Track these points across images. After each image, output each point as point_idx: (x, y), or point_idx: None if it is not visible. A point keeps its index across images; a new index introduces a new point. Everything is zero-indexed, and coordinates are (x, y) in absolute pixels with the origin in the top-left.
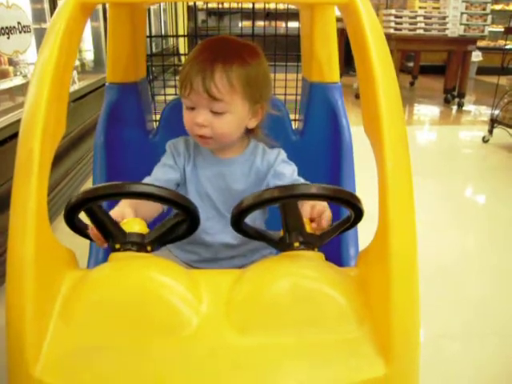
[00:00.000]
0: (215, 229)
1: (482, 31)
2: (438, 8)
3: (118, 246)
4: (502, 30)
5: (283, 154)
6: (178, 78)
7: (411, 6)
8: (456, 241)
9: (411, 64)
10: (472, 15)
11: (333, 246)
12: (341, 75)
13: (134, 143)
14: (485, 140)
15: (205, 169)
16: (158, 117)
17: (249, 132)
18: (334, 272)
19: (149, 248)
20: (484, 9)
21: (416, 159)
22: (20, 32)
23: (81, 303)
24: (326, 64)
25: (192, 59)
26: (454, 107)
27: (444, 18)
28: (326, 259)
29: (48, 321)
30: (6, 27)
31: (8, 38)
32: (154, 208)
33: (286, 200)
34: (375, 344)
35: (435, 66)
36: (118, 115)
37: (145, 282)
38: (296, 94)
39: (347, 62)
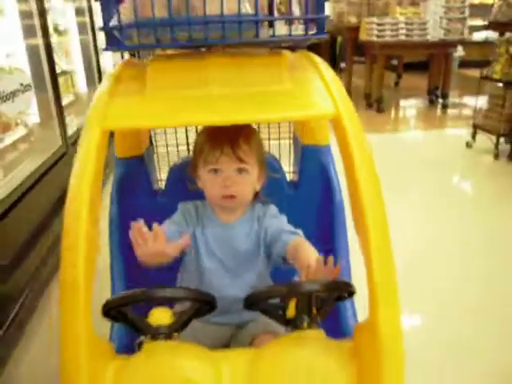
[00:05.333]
0: (223, 285)
1: (462, 34)
2: (419, 14)
3: (148, 338)
4: (482, 23)
5: (273, 210)
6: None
7: (392, 12)
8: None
9: (395, 62)
10: (451, 19)
11: (332, 316)
12: None
13: (144, 209)
14: (468, 145)
15: (212, 232)
16: (162, 173)
17: (254, 196)
18: (333, 348)
19: (176, 335)
20: (462, 12)
21: (401, 166)
22: (23, 92)
23: None
24: (317, 129)
25: (207, 135)
26: (439, 106)
27: (424, 23)
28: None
29: None
30: (11, 92)
31: (13, 101)
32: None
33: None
34: None
35: (419, 63)
36: (127, 187)
37: (176, 370)
38: (290, 144)
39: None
